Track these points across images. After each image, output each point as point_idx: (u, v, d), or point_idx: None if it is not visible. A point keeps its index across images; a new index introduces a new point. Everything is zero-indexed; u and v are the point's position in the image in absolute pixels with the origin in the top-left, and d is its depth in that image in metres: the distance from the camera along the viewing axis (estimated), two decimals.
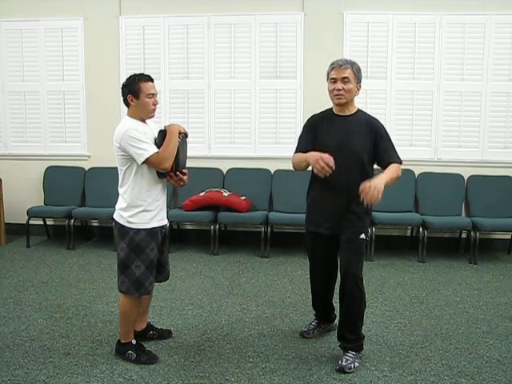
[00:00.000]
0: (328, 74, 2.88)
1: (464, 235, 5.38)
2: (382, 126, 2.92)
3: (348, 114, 2.89)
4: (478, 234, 4.99)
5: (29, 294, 4.02)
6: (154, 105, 2.82)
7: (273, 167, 5.58)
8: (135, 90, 2.77)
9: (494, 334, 3.31)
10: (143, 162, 2.71)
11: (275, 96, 5.60)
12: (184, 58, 5.69)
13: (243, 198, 5.36)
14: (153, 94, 2.80)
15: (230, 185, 5.58)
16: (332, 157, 2.64)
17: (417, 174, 5.46)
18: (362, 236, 2.85)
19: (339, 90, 2.79)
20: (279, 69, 5.58)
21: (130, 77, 2.83)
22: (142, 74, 2.82)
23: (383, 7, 5.38)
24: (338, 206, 2.86)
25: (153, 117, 2.88)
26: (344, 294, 2.84)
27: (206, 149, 5.74)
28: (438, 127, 5.46)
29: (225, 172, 5.69)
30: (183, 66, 5.70)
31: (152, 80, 2.83)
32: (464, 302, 3.94)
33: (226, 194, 5.32)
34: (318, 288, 3.19)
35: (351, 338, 2.86)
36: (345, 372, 2.77)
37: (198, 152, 5.60)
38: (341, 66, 2.80)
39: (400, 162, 2.86)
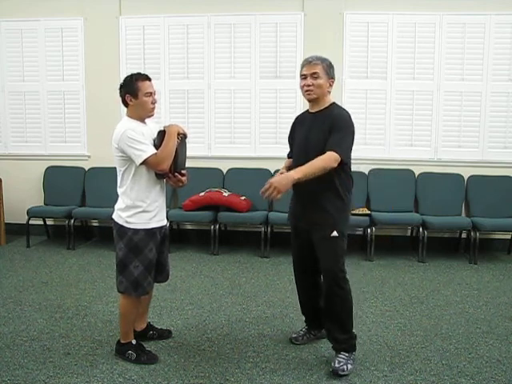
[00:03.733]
0: (300, 72, 2.88)
1: (464, 235, 5.38)
2: (345, 119, 2.77)
3: (317, 110, 2.86)
4: (478, 233, 4.99)
5: (29, 294, 4.02)
6: (153, 103, 2.81)
7: (273, 167, 5.57)
8: (133, 89, 2.76)
9: (494, 334, 3.31)
10: (141, 163, 2.71)
11: (275, 96, 5.60)
12: (184, 58, 5.69)
13: (243, 198, 5.36)
14: (151, 93, 2.79)
15: (230, 185, 5.58)
16: (298, 153, 2.87)
17: (417, 174, 5.47)
18: (334, 233, 2.77)
19: (308, 85, 2.78)
20: (279, 69, 5.58)
21: (127, 77, 2.82)
22: (139, 74, 2.81)
23: (383, 7, 5.38)
24: (308, 203, 2.85)
25: (152, 115, 2.87)
26: (326, 293, 2.82)
27: (206, 149, 5.74)
28: (438, 127, 5.46)
29: (225, 172, 5.69)
30: (183, 66, 5.70)
31: (149, 79, 2.82)
32: (464, 302, 3.94)
33: (225, 194, 5.32)
34: (301, 291, 3.14)
35: (342, 338, 2.81)
36: (339, 374, 2.72)
37: (198, 152, 5.60)
38: (310, 62, 2.81)
39: (336, 151, 2.65)
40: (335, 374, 2.74)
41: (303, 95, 2.89)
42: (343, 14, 5.41)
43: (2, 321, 3.47)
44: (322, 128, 2.77)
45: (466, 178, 5.42)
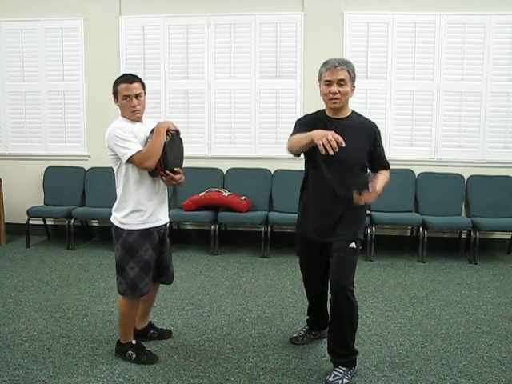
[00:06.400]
0: (321, 75, 2.70)
1: (464, 235, 5.38)
2: (378, 129, 2.81)
3: (342, 117, 2.74)
4: (478, 233, 4.99)
5: (29, 294, 4.02)
6: (133, 106, 2.75)
7: (273, 167, 5.59)
8: (114, 91, 2.79)
9: (494, 334, 3.31)
10: (127, 161, 2.70)
11: (275, 96, 5.59)
12: (184, 58, 5.69)
13: (243, 197, 5.36)
14: (128, 96, 2.73)
15: (230, 185, 5.58)
16: (329, 162, 2.63)
17: (417, 174, 5.47)
18: (353, 245, 2.68)
19: (335, 93, 2.62)
20: (279, 69, 5.58)
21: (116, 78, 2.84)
22: (123, 75, 2.82)
23: (383, 7, 5.38)
24: (333, 213, 2.73)
25: (138, 118, 2.81)
26: (334, 307, 2.67)
27: (206, 149, 5.73)
28: (438, 127, 5.46)
29: (225, 172, 5.69)
30: (183, 66, 5.70)
31: (129, 81, 2.74)
32: (464, 302, 3.94)
33: (226, 194, 5.32)
34: (312, 296, 3.12)
35: (342, 353, 2.69)
36: None
37: (198, 152, 5.60)
38: (336, 67, 2.61)
39: (389, 167, 2.88)
40: None
41: (325, 102, 2.73)
42: (343, 14, 5.41)
43: (2, 321, 3.47)
44: (358, 138, 2.67)
45: (465, 178, 5.41)
